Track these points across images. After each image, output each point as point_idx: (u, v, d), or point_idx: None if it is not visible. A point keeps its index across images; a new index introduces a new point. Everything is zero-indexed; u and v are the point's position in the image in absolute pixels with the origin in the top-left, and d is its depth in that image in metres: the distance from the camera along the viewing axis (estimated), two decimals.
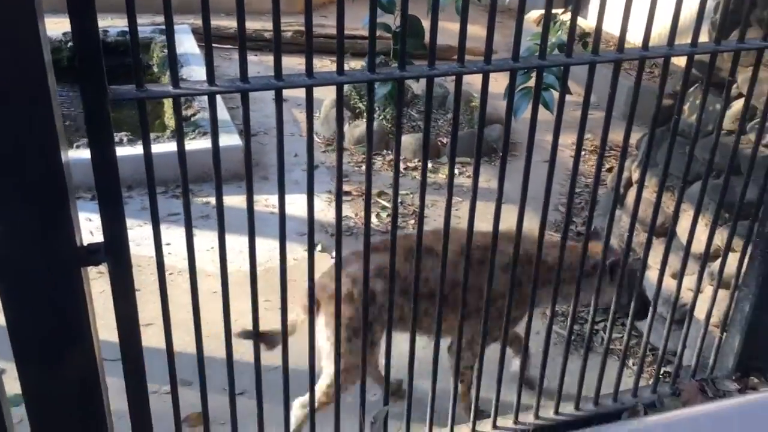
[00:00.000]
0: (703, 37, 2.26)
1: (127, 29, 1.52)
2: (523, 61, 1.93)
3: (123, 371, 1.80)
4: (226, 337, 2.00)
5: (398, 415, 2.44)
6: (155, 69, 6.96)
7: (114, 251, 1.63)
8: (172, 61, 1.61)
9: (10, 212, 1.46)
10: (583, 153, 5.47)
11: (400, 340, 2.41)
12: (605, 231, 2.37)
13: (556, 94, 2.49)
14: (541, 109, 2.07)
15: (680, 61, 2.28)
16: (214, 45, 1.63)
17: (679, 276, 2.52)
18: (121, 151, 1.58)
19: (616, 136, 2.22)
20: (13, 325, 1.57)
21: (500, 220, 2.16)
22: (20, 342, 1.59)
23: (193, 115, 5.60)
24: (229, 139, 5.01)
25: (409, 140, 5.60)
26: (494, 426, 2.56)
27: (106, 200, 1.58)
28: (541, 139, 2.05)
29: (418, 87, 6.31)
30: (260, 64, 6.77)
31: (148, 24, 7.27)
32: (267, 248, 3.73)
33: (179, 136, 1.70)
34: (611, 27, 2.41)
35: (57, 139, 1.42)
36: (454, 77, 1.85)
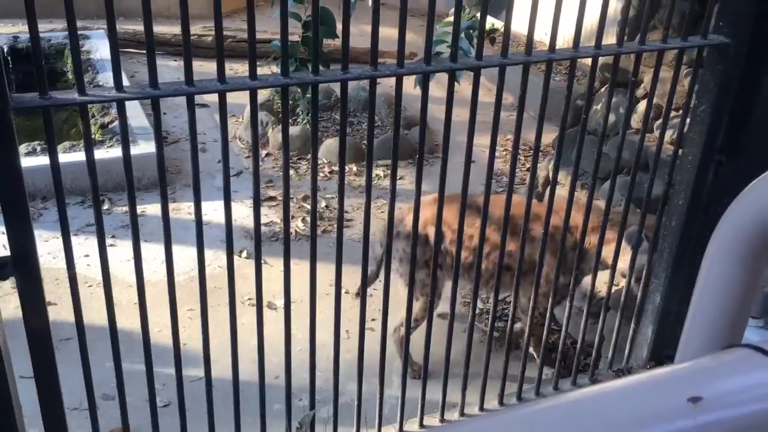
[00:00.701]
0: (612, 40, 2.36)
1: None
2: (435, 64, 1.97)
3: (36, 388, 1.75)
4: (145, 349, 1.96)
5: (324, 420, 2.44)
6: (69, 75, 6.76)
7: (22, 265, 1.58)
8: (77, 65, 1.58)
9: None
10: (504, 153, 5.59)
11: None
12: (523, 227, 2.43)
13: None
14: (461, 111, 2.11)
15: (588, 63, 2.37)
16: (133, 51, 1.63)
17: (593, 270, 2.61)
18: (34, 161, 1.54)
19: (532, 135, 2.29)
20: None
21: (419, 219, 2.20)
22: None
23: (111, 122, 5.46)
24: (148, 146, 4.90)
25: (333, 144, 5.61)
26: (421, 425, 2.59)
27: (12, 213, 1.53)
28: (461, 140, 2.09)
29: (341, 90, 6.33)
30: (180, 69, 6.66)
31: (60, 29, 7.06)
32: (191, 256, 3.67)
33: (87, 144, 1.66)
34: (521, 27, 2.47)
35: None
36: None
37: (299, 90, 5.05)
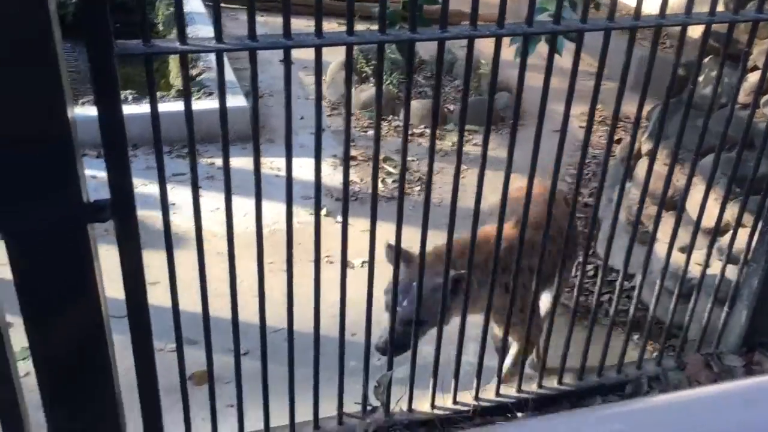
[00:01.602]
0: (720, 8, 2.22)
1: None
2: (536, 26, 1.89)
3: (129, 328, 1.80)
4: (231, 297, 2.00)
5: (402, 380, 2.44)
6: (161, 27, 6.89)
7: (120, 209, 1.62)
8: (180, 17, 1.58)
9: (18, 169, 1.45)
10: (596, 124, 5.41)
11: None
12: (615, 203, 2.34)
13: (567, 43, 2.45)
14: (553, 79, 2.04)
15: (695, 32, 2.24)
16: (223, 5, 1.60)
17: (688, 250, 2.50)
18: (126, 110, 1.56)
19: (626, 107, 2.19)
20: (20, 281, 1.56)
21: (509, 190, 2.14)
22: (27, 297, 1.58)
23: (199, 74, 5.55)
24: (235, 101, 4.97)
25: (416, 106, 5.55)
26: (497, 393, 2.56)
27: (114, 159, 1.56)
28: (550, 109, 2.02)
29: (425, 52, 6.24)
30: (266, 25, 6.70)
31: None
32: (273, 211, 3.72)
33: (186, 92, 1.67)
34: None
35: (64, 96, 1.40)
36: (465, 42, 1.82)
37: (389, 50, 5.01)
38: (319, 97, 1.82)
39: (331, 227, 3.77)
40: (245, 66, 1.68)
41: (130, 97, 4.98)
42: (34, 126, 1.42)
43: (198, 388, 2.88)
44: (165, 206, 1.76)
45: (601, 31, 1.94)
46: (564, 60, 2.25)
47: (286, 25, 1.64)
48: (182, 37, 1.57)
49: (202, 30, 6.26)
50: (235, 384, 2.17)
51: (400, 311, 2.33)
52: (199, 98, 5.07)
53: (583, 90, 2.16)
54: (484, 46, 1.91)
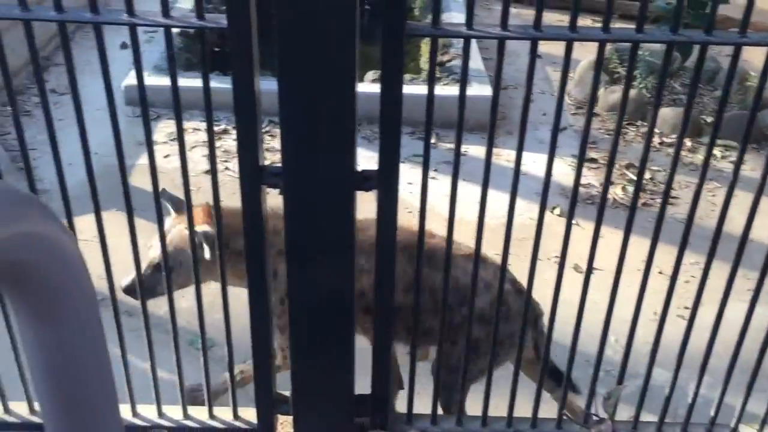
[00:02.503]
0: None
1: None
2: None
3: (375, 299, 1.93)
4: (444, 282, 2.04)
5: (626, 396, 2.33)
6: (416, 12, 7.13)
7: (386, 180, 1.73)
8: (470, 2, 1.62)
9: (305, 135, 1.62)
10: None
11: None
12: None
13: None
14: None
15: None
16: None
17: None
18: (377, 88, 1.65)
19: None
20: (291, 231, 1.76)
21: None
22: (295, 248, 1.79)
23: (449, 61, 5.67)
24: (480, 89, 5.02)
25: (669, 114, 5.22)
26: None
27: (388, 132, 1.68)
28: None
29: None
30: (518, 17, 6.65)
31: None
32: (503, 203, 3.72)
33: (431, 77, 1.72)
34: None
35: (354, 71, 1.54)
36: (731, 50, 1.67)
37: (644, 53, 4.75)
38: (562, 93, 1.78)
39: (562, 227, 3.67)
40: (494, 56, 1.70)
41: (375, 77, 5.24)
42: (330, 97, 1.59)
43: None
44: (425, 184, 1.84)
45: None
46: None
47: (538, 16, 1.63)
48: (470, 22, 1.61)
49: (455, 17, 6.37)
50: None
51: (151, 253, 2.42)
52: (446, 84, 5.18)
53: None
54: (754, 56, 1.74)
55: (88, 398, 0.65)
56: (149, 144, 1.83)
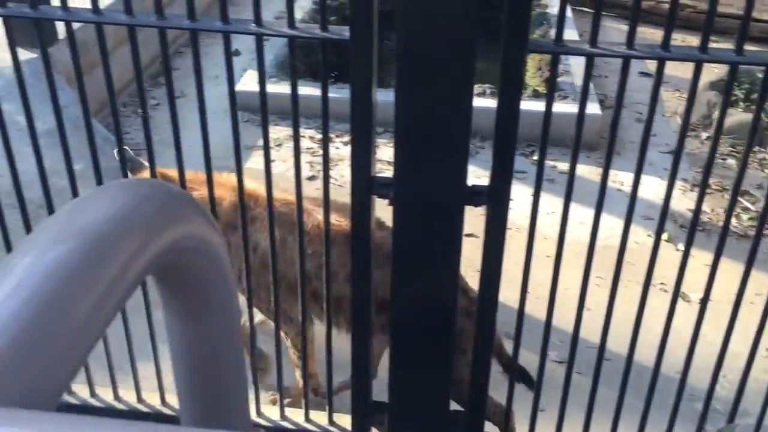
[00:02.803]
0: None
1: None
2: None
3: (479, 310, 1.91)
4: (549, 302, 2.00)
5: None
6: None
7: (496, 197, 1.72)
8: (560, 19, 1.60)
9: (419, 147, 1.63)
10: None
11: None
12: None
13: None
14: None
15: None
16: (585, 9, 1.59)
17: None
18: (482, 102, 1.64)
19: None
20: (397, 242, 1.77)
21: None
22: (401, 259, 1.80)
23: (560, 76, 5.59)
24: (589, 107, 4.90)
25: None
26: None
27: (502, 148, 1.67)
28: None
29: None
30: (643, 35, 6.46)
31: None
32: (609, 225, 3.63)
33: (550, 93, 1.70)
34: None
35: (472, 85, 1.55)
36: None
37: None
38: (688, 116, 1.72)
39: (670, 254, 3.55)
40: (603, 73, 1.66)
41: (487, 91, 5.20)
42: (446, 111, 1.59)
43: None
44: (536, 208, 1.82)
45: None
46: None
47: (667, 36, 1.57)
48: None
49: (567, 33, 6.26)
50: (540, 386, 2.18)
51: None
52: (555, 101, 5.11)
53: None
54: None
55: (224, 390, 0.67)
56: (266, 144, 1.89)
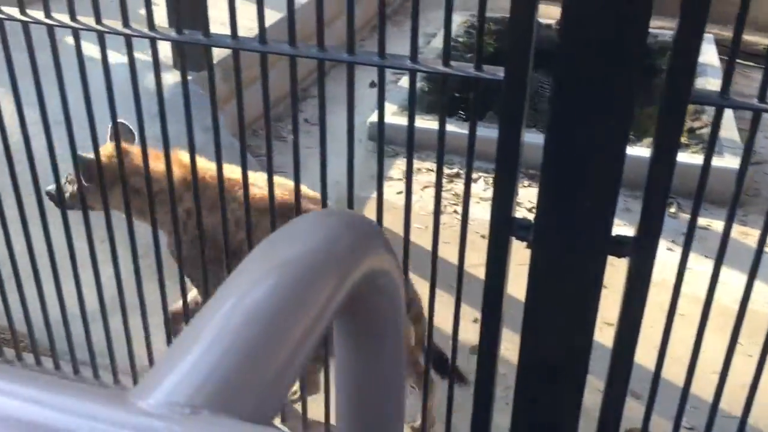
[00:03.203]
0: None
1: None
2: None
3: (610, 364, 1.85)
4: (690, 366, 1.89)
5: None
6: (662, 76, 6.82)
7: (643, 249, 1.66)
8: (727, 73, 1.54)
9: (565, 192, 1.61)
10: None
11: None
12: None
13: None
14: None
15: None
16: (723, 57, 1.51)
17: None
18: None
19: None
20: (533, 288, 1.74)
21: None
22: (534, 302, 1.76)
23: (699, 128, 5.36)
24: (732, 161, 4.67)
25: None
26: None
27: (654, 199, 1.62)
28: None
29: None
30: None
31: (669, 29, 7.14)
32: (764, 291, 3.42)
33: (710, 146, 1.62)
34: None
35: (628, 134, 1.51)
36: None
37: None
38: None
39: None
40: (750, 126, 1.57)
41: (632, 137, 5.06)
42: (599, 158, 1.56)
43: None
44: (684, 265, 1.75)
45: None
46: None
47: None
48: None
49: (711, 82, 6.01)
50: None
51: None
52: (694, 152, 4.89)
53: None
54: None
55: (384, 420, 0.67)
56: (380, 177, 1.92)
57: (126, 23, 1.85)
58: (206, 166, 2.37)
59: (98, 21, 1.87)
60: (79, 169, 2.30)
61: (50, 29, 1.89)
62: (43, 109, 2.10)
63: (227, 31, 1.81)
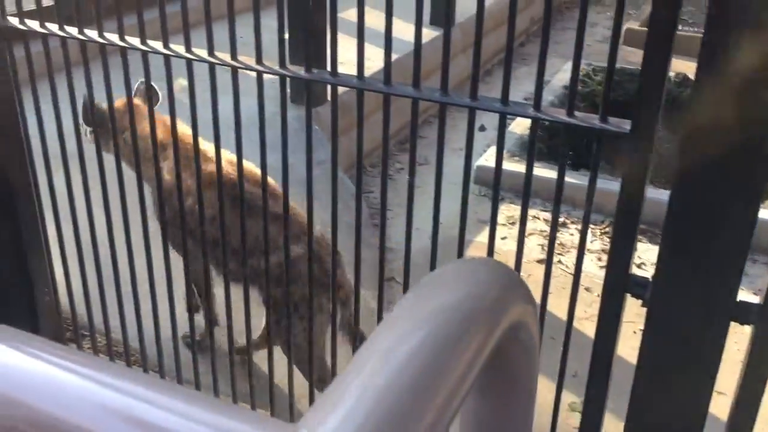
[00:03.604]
0: None
1: None
2: None
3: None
4: None
5: None
6: None
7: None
8: None
9: (687, 253, 1.55)
10: None
11: None
12: None
13: None
14: None
15: None
16: None
17: None
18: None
19: None
20: (648, 347, 1.67)
21: None
22: (649, 362, 1.69)
23: None
24: None
25: None
26: None
27: None
28: None
29: None
30: None
31: None
32: None
33: None
34: None
35: (759, 199, 1.45)
36: None
37: None
38: None
39: None
40: None
41: None
42: (728, 219, 1.50)
43: None
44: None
45: None
46: None
47: None
48: None
49: None
50: None
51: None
52: None
53: None
54: None
55: None
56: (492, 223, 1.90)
57: (259, 60, 1.94)
58: (184, 129, 2.45)
59: (233, 57, 1.97)
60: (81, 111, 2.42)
61: (212, 67, 2.00)
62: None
63: (343, 70, 1.89)
